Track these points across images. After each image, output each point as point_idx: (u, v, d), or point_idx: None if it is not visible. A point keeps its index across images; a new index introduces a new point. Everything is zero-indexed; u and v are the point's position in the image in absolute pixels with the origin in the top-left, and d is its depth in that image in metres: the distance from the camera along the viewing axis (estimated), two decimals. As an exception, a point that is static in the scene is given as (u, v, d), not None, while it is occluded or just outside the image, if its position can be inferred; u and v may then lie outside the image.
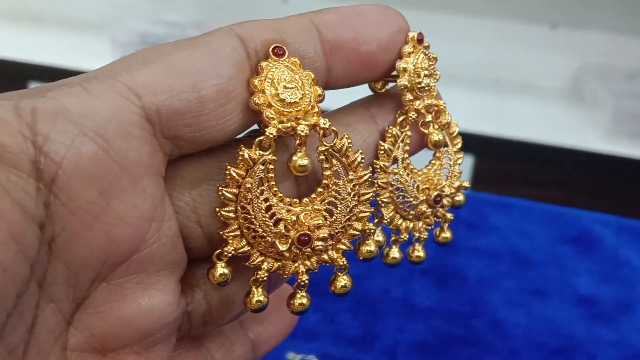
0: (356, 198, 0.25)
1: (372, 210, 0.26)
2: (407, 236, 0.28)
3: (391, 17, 0.26)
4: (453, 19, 0.78)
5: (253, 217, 0.24)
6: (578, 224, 0.52)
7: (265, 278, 0.25)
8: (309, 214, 0.25)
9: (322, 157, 0.24)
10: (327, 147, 0.24)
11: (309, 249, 0.25)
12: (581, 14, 0.75)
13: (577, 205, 0.54)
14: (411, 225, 0.29)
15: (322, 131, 0.24)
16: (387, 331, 0.43)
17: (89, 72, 0.22)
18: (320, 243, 0.25)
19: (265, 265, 0.25)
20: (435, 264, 0.48)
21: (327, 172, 0.25)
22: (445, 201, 0.29)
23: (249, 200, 0.24)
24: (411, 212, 0.28)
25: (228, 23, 0.24)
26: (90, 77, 0.21)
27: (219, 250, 0.24)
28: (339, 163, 0.25)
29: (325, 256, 0.25)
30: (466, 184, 0.30)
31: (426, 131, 0.28)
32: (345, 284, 0.26)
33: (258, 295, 0.25)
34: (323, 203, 0.25)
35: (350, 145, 0.25)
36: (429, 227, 0.29)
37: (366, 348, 0.41)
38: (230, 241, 0.24)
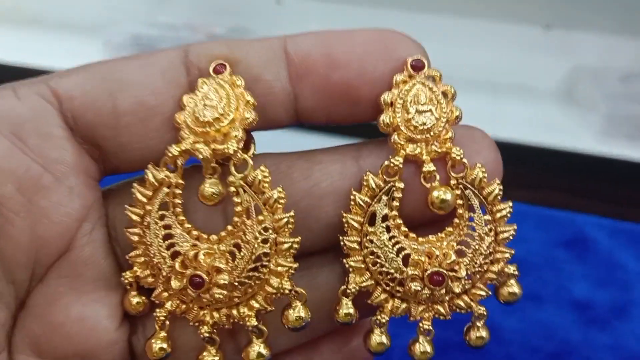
0: (267, 245, 0.21)
1: (294, 265, 0.22)
2: (387, 318, 0.23)
3: (391, 44, 0.21)
4: (445, 20, 0.78)
5: (149, 243, 0.21)
6: (573, 227, 0.52)
7: (163, 319, 0.22)
8: (211, 253, 0.21)
9: (232, 189, 0.21)
10: (236, 179, 0.21)
11: (207, 296, 0.21)
12: (575, 16, 0.75)
13: (571, 207, 0.54)
14: (402, 306, 0.22)
15: (231, 158, 0.21)
16: (383, 337, 0.43)
17: (35, 77, 0.22)
18: (219, 291, 0.21)
19: (168, 305, 0.22)
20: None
21: (238, 209, 0.21)
22: (456, 286, 0.22)
23: (147, 225, 0.21)
24: (398, 288, 0.22)
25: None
26: (28, 81, 0.22)
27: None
28: (251, 199, 0.21)
29: (234, 311, 0.22)
30: (513, 269, 0.23)
31: (428, 186, 0.22)
32: (260, 351, 0.22)
33: (159, 340, 0.22)
34: (230, 244, 0.22)
35: (266, 179, 0.21)
36: (439, 317, 0.23)
37: (362, 355, 0.41)
38: (135, 267, 0.22)
